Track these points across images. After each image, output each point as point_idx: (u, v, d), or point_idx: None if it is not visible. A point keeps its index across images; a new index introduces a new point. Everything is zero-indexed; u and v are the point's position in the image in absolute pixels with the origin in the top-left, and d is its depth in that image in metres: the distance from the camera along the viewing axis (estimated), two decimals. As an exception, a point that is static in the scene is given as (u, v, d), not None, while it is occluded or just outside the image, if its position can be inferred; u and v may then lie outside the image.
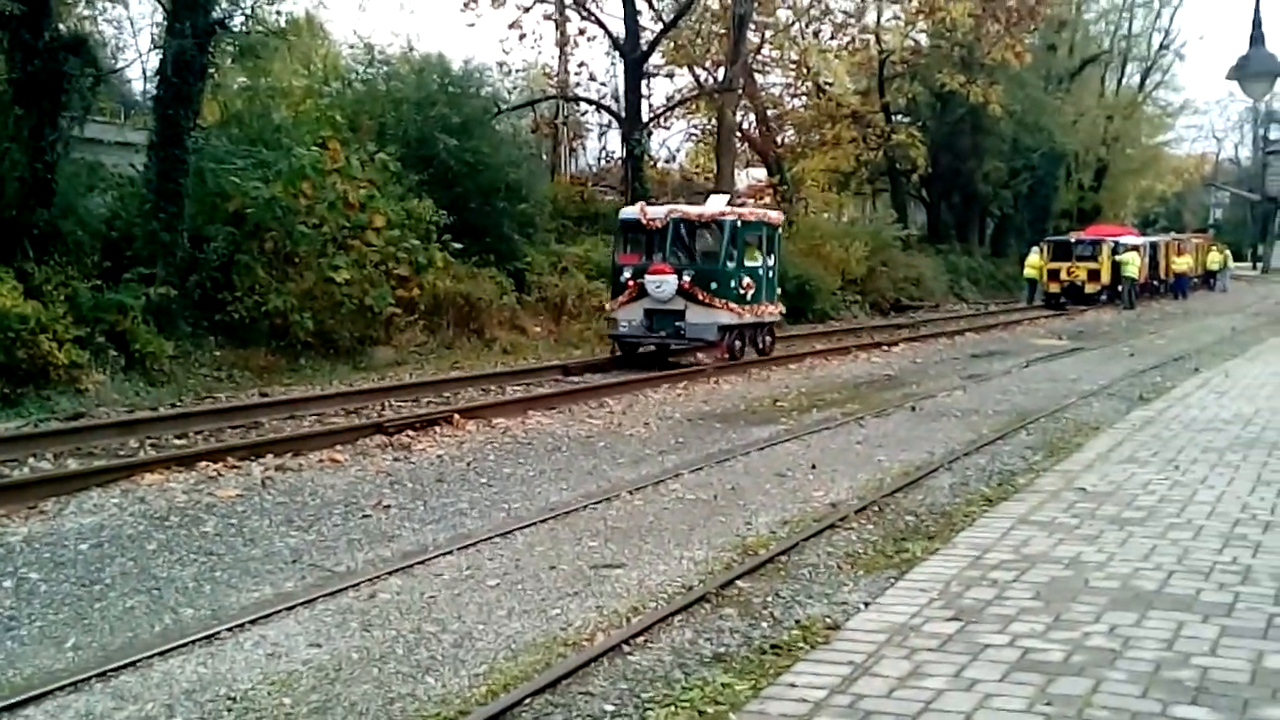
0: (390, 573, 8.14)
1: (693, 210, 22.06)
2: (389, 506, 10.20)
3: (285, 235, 18.84)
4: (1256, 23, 12.01)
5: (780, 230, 24.05)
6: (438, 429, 13.97)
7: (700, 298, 20.45)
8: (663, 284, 20.35)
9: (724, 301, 20.67)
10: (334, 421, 14.58)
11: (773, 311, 22.75)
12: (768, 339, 22.75)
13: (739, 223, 21.42)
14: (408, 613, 7.35)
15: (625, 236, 21.92)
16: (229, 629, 7.01)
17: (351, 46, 28.13)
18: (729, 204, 23.11)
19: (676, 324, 20.60)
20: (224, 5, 18.90)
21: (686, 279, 20.39)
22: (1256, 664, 5.60)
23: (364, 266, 19.70)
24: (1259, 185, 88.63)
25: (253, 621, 7.15)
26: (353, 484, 11.13)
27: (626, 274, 20.98)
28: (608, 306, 21.78)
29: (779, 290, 23.41)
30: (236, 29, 20.05)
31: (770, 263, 22.48)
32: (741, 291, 21.11)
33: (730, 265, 20.96)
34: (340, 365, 18.92)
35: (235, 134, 20.73)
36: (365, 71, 26.14)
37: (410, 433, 13.56)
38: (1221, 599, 6.64)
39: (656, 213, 21.45)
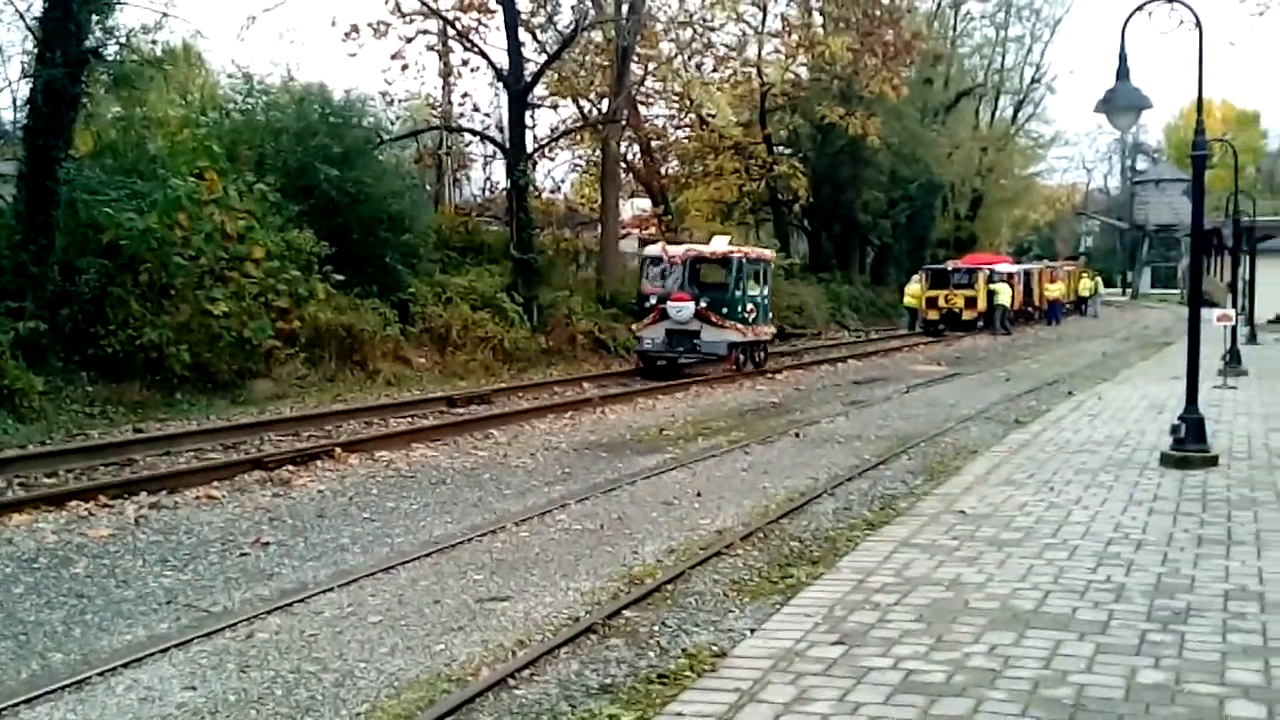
0: (269, 611, 7.95)
1: (706, 249, 26.81)
2: (268, 543, 9.98)
3: (161, 267, 18.37)
4: (1122, 58, 12.38)
5: (772, 264, 28.74)
6: (319, 463, 13.74)
7: (713, 320, 24.74)
8: (683, 309, 24.57)
9: (732, 323, 25.03)
10: (211, 457, 14.23)
11: (768, 331, 27.46)
12: (762, 354, 26.97)
13: (744, 259, 25.99)
14: (287, 652, 7.18)
15: (648, 270, 26.20)
16: (100, 674, 6.77)
17: (230, 76, 27.57)
18: (731, 243, 27.75)
19: (694, 341, 24.81)
20: (97, 34, 18.42)
21: (703, 305, 24.66)
22: (1130, 680, 5.74)
23: (242, 298, 19.30)
24: (1127, 214, 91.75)
25: (125, 665, 6.92)
26: (230, 521, 10.88)
27: (651, 301, 25.17)
28: (634, 328, 25.98)
29: (770, 314, 27.87)
30: (110, 58, 19.53)
31: (765, 291, 27.17)
32: (746, 315, 25.54)
33: (738, 294, 25.34)
34: (218, 399, 18.47)
35: (109, 164, 20.18)
36: (244, 101, 25.65)
37: (290, 467, 13.31)
38: (1097, 617, 6.80)
39: (676, 251, 26.35)
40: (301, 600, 8.22)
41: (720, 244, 27.22)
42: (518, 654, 7.06)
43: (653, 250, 26.99)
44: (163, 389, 18.02)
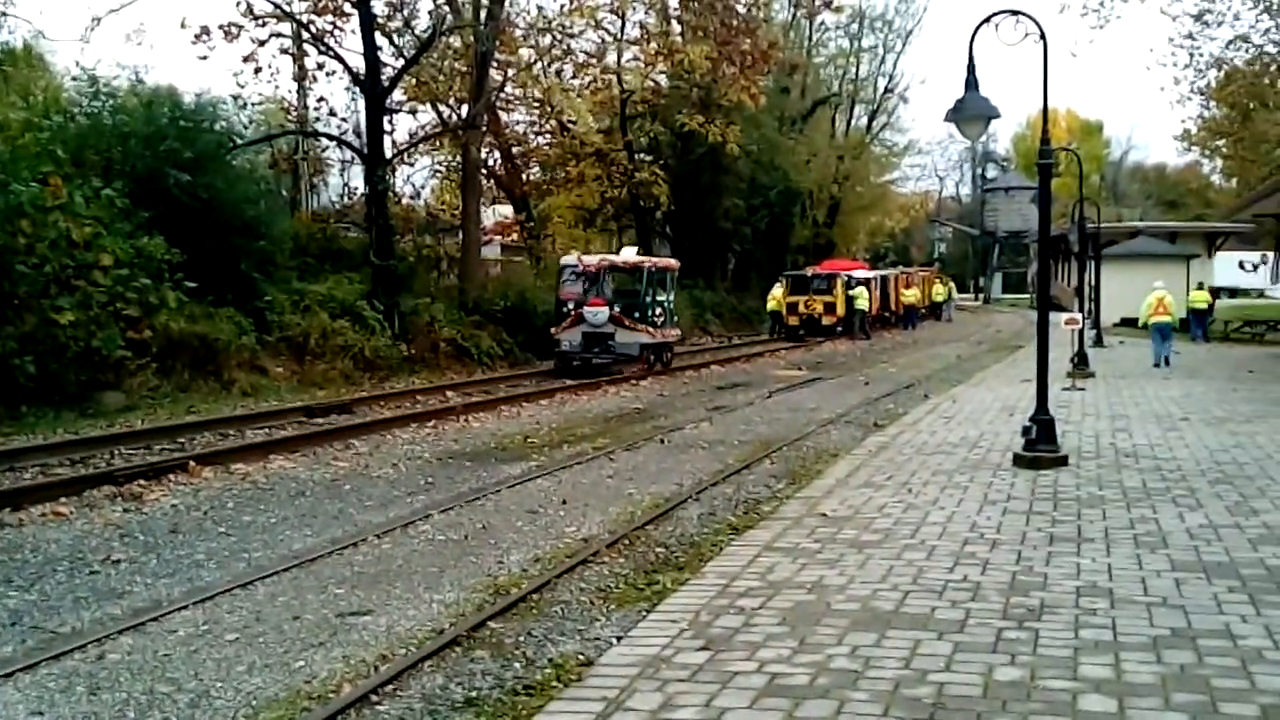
0: (120, 631, 7.68)
1: (619, 259, 29.56)
2: (119, 561, 9.66)
3: (3, 275, 17.70)
4: (970, 68, 12.70)
5: (676, 273, 30.96)
6: (172, 477, 13.34)
7: (626, 323, 27.13)
8: (599, 313, 26.94)
9: (644, 326, 27.52)
10: (58, 472, 13.70)
11: (675, 334, 30.18)
12: (669, 354, 29.45)
13: (653, 268, 28.91)
14: (140, 673, 6.94)
15: (565, 277, 28.18)
16: (-62, 702, 6.47)
17: (75, 78, 26.68)
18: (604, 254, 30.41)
19: (609, 343, 27.08)
20: (-70, 35, 17.72)
21: (617, 310, 27.11)
22: (988, 677, 5.86)
23: (90, 308, 18.71)
24: (978, 221, 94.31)
25: (-35, 692, 6.62)
26: (79, 538, 10.50)
27: (569, 306, 27.41)
28: (553, 331, 27.80)
29: (676, 318, 30.62)
30: (-55, 60, 18.79)
31: (671, 297, 29.78)
32: (655, 319, 28.15)
33: (648, 299, 28.02)
34: (66, 412, 17.84)
35: (-53, 170, 19.39)
36: (90, 104, 24.80)
37: (142, 482, 12.90)
38: (954, 616, 6.94)
39: (591, 260, 28.78)
40: (155, 619, 7.96)
41: (630, 254, 30.17)
42: (380, 669, 6.93)
43: (569, 260, 29.16)
44: (7, 402, 17.35)
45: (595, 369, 27.26)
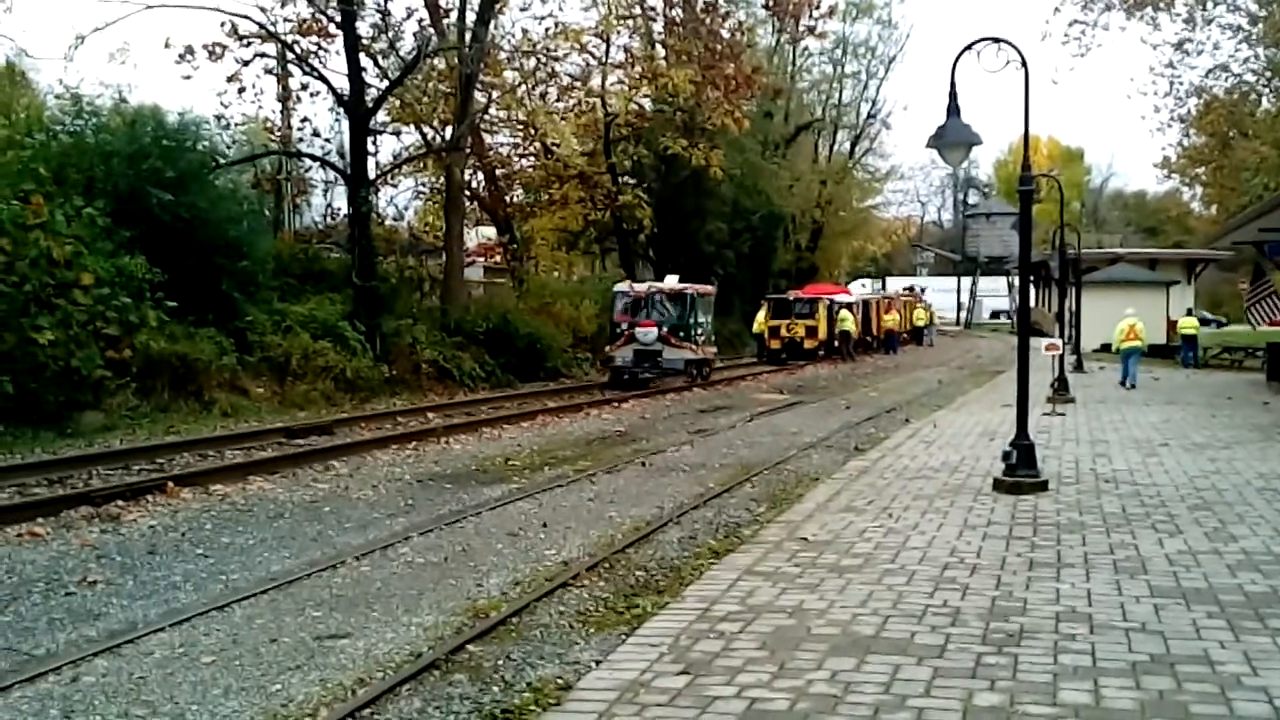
0: (96, 653, 7.61)
1: (665, 286, 32.99)
2: (95, 582, 9.58)
3: (-19, 294, 17.60)
4: (952, 95, 12.77)
5: (713, 297, 35.23)
6: (150, 498, 13.27)
7: (673, 342, 31.08)
8: (649, 333, 30.90)
9: (687, 344, 31.40)
10: (35, 492, 13.59)
11: (713, 351, 34.45)
12: (708, 368, 33.43)
13: (695, 293, 32.49)
14: (114, 696, 6.88)
15: (617, 301, 32.24)
16: (-92, 724, 6.41)
17: (58, 97, 26.63)
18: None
19: (657, 359, 30.94)
20: (-88, 52, 17.66)
21: (665, 329, 30.99)
22: (967, 703, 5.85)
23: (70, 326, 18.62)
24: (959, 246, 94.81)
25: (-63, 714, 6.56)
26: (55, 559, 10.42)
27: (621, 327, 31.39)
28: (607, 349, 32.28)
29: (714, 336, 34.99)
30: (-73, 77, 18.73)
31: (709, 319, 33.99)
32: (697, 337, 32.03)
33: (691, 320, 31.78)
34: (44, 432, 17.73)
35: (-73, 187, 19.28)
36: (72, 123, 24.75)
37: (120, 502, 12.82)
38: (934, 641, 6.93)
39: (640, 287, 33.13)
40: (130, 641, 7.90)
41: (672, 281, 33.28)
42: (358, 693, 6.89)
43: (621, 287, 33.61)
44: (-16, 421, 17.23)
45: (642, 382, 30.70)
